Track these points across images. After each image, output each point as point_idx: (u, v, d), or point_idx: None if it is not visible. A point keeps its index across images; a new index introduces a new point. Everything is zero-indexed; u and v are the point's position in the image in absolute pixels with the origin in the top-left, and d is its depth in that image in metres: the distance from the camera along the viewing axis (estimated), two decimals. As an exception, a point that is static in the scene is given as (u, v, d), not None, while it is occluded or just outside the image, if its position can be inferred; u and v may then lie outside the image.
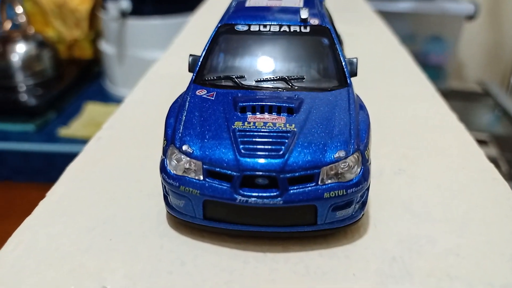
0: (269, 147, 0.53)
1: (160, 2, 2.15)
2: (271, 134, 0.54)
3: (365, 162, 0.55)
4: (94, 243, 0.55)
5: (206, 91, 0.62)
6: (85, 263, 0.52)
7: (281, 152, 0.52)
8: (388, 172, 0.70)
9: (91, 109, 2.10)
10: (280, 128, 0.55)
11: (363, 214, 0.57)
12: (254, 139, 0.54)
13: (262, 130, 0.55)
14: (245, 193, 0.51)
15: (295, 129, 0.55)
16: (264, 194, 0.51)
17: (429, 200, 0.64)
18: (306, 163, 0.52)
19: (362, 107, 0.62)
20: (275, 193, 0.51)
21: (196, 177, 0.53)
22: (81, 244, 0.55)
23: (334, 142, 0.54)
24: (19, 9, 2.08)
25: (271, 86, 0.63)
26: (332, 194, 0.52)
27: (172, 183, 0.54)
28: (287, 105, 0.58)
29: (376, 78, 1.04)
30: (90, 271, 0.51)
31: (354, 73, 0.66)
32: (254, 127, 0.55)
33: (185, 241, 0.56)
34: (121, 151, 0.74)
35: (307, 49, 0.67)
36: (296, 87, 0.63)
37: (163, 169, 0.55)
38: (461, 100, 2.28)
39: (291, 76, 0.63)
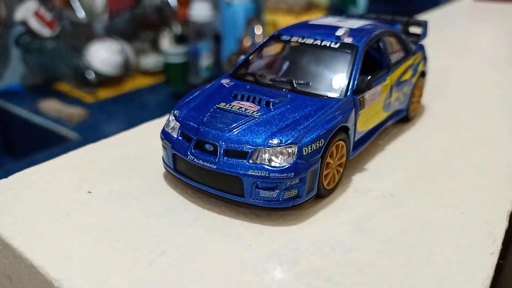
0: (224, 123, 0.64)
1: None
2: (235, 115, 0.65)
3: (300, 157, 0.60)
4: (124, 169, 0.75)
5: (229, 81, 0.76)
6: (109, 179, 0.72)
7: (228, 128, 0.63)
8: (377, 193, 0.69)
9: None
10: (247, 113, 0.65)
11: (293, 205, 0.62)
12: (219, 115, 0.65)
13: (233, 111, 0.66)
14: (194, 153, 0.64)
15: (257, 116, 0.64)
16: (205, 158, 0.63)
17: (387, 224, 0.62)
18: (242, 141, 0.61)
19: (338, 116, 0.65)
20: (212, 159, 0.62)
21: (174, 135, 0.68)
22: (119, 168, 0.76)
23: (278, 132, 0.61)
24: (259, 30, 2.52)
25: (279, 86, 0.72)
26: (256, 172, 0.60)
27: (162, 137, 0.70)
28: (267, 98, 0.67)
29: (470, 114, 0.99)
30: (108, 181, 0.71)
31: (361, 90, 0.70)
32: (230, 108, 0.67)
33: (163, 185, 0.71)
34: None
35: (329, 61, 0.74)
36: (298, 90, 0.71)
37: (163, 127, 0.72)
38: None
39: (297, 80, 0.72)
